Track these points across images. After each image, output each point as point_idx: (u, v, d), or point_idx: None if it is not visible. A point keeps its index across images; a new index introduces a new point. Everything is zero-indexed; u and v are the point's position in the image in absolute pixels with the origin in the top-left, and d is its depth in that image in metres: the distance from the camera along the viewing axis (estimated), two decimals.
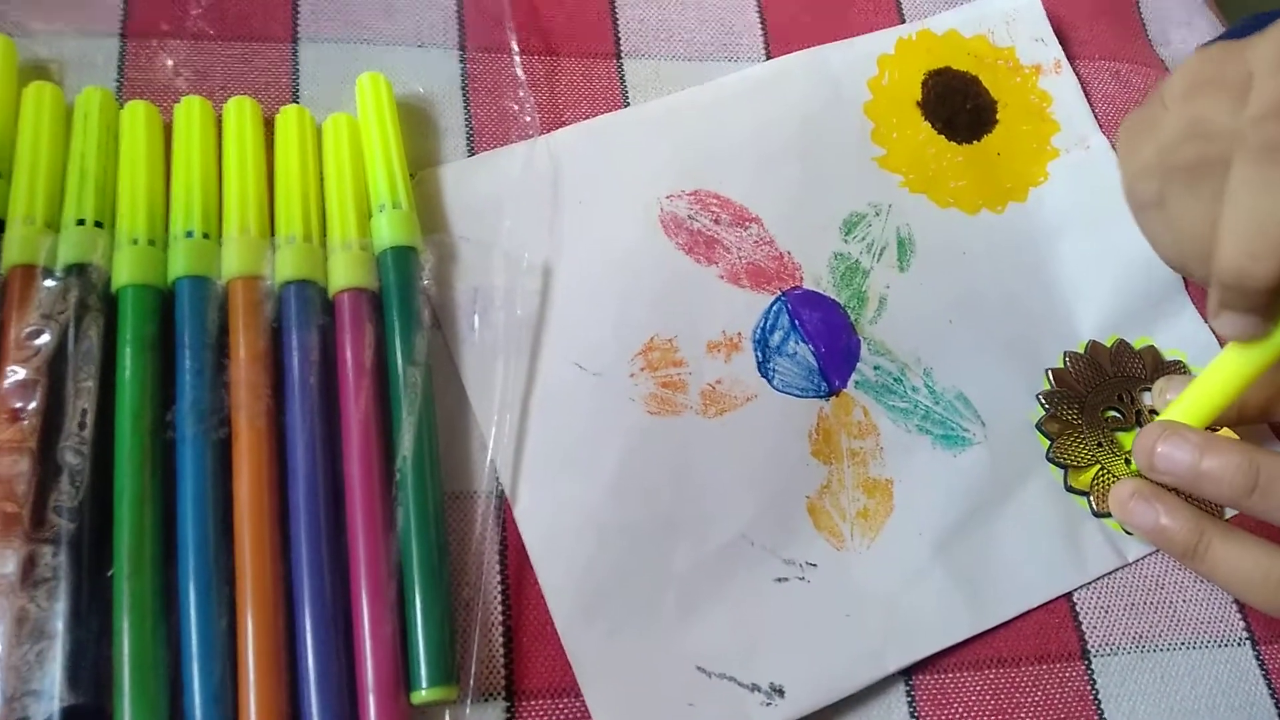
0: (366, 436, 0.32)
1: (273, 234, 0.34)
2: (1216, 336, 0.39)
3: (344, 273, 0.34)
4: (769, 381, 0.36)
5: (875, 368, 0.37)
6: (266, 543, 0.30)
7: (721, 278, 0.38)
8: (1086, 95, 0.44)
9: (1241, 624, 0.36)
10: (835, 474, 0.36)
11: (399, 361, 0.33)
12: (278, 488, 0.31)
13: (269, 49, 0.39)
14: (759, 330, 0.37)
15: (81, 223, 0.32)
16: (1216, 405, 0.33)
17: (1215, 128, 0.29)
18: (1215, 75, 0.31)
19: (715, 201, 0.39)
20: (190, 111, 0.35)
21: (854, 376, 0.37)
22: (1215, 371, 0.33)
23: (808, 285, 0.38)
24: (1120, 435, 0.37)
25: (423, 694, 0.30)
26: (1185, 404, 0.34)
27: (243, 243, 0.33)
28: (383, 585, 0.30)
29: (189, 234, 0.33)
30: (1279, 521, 0.31)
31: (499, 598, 0.32)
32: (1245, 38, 0.31)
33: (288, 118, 0.36)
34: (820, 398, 0.36)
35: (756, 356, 0.37)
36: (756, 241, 0.39)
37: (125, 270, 0.32)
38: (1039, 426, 0.37)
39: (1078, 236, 0.41)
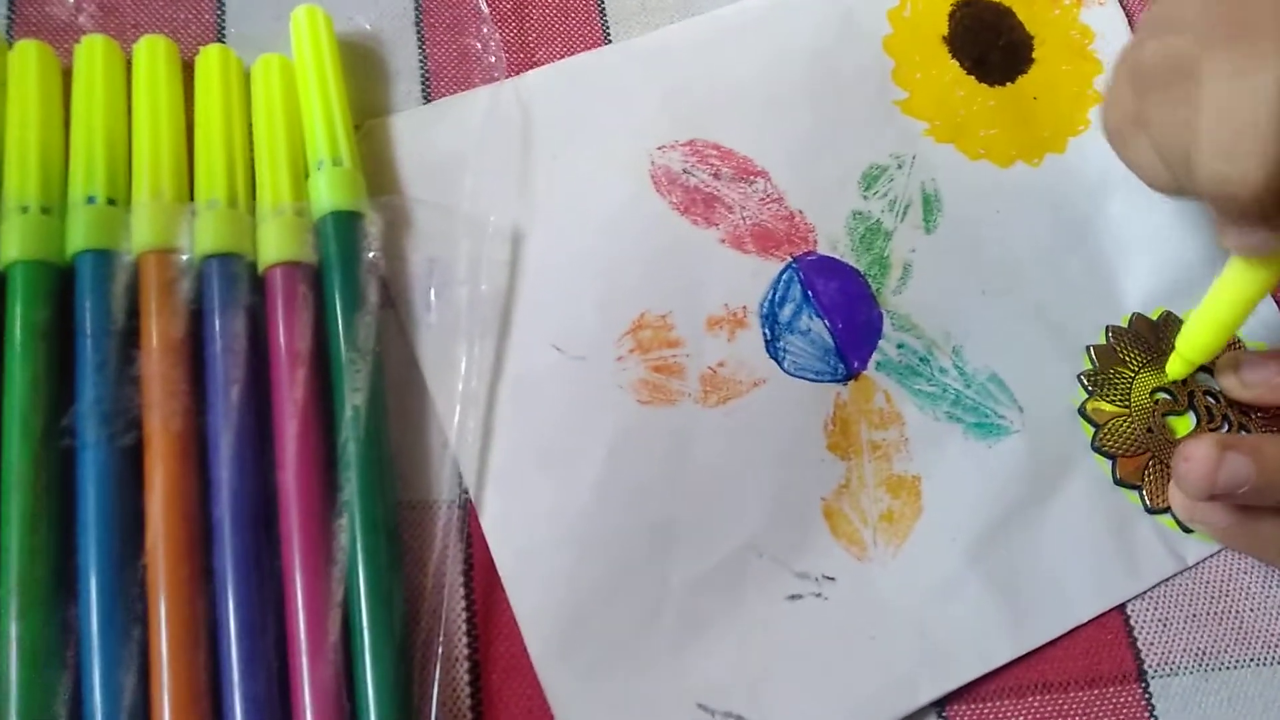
0: (303, 439, 0.28)
1: (191, 198, 0.31)
2: None
3: (276, 243, 0.30)
4: (779, 363, 0.33)
5: (899, 345, 0.33)
6: (185, 570, 0.27)
7: (723, 242, 0.34)
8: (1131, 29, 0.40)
9: None
10: (854, 471, 0.32)
11: (342, 348, 0.30)
12: (198, 503, 0.28)
13: None
14: (767, 303, 0.33)
15: None
16: (1232, 323, 0.31)
17: (1182, 21, 0.26)
18: None
19: (715, 153, 0.35)
20: (93, 53, 0.32)
21: (875, 356, 0.33)
22: (1226, 287, 0.30)
23: (822, 250, 0.35)
24: (1172, 420, 0.34)
25: None
26: (1197, 325, 0.32)
27: (155, 209, 0.30)
28: (323, 618, 0.27)
29: (91, 199, 0.30)
30: None
31: (463, 628, 0.29)
32: None
33: (209, 60, 0.33)
34: (837, 381, 0.33)
35: (764, 334, 0.33)
36: (763, 199, 0.35)
37: (14, 243, 0.29)
38: (1081, 411, 0.34)
39: (1121, 193, 0.37)
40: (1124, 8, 0.40)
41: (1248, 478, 0.29)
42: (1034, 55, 0.39)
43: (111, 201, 0.30)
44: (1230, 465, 0.29)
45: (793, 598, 0.30)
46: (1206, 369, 0.35)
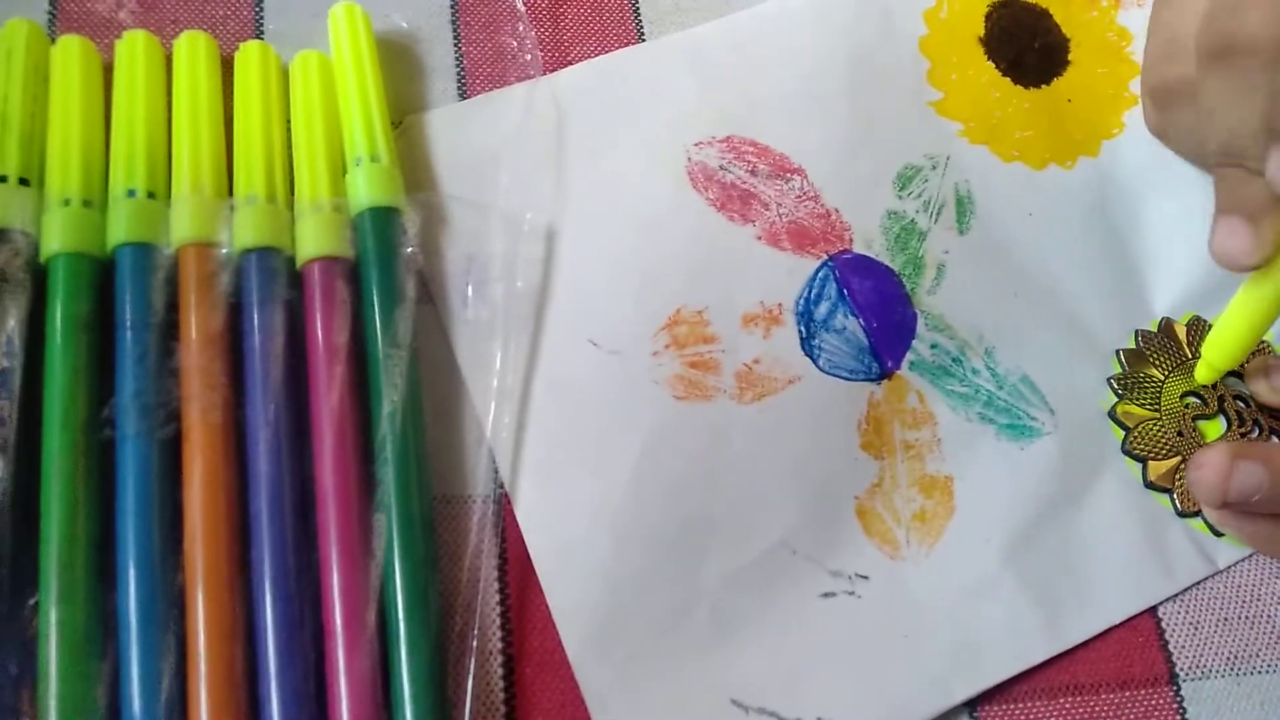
0: (341, 433, 0.28)
1: (230, 193, 0.31)
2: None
3: (314, 238, 0.30)
4: (814, 361, 0.32)
5: (933, 346, 0.33)
6: (223, 561, 0.27)
7: (759, 239, 0.34)
8: None
9: None
10: (887, 470, 0.32)
11: (379, 343, 0.29)
12: (236, 495, 0.28)
13: None
14: (802, 301, 0.33)
15: (3, 180, 0.29)
16: (1256, 331, 0.31)
17: (1185, 47, 0.28)
18: None
19: (751, 150, 0.35)
20: (134, 49, 0.32)
21: (908, 356, 0.33)
22: (1248, 296, 0.31)
23: (858, 248, 0.34)
24: (1202, 424, 0.34)
25: None
26: (1221, 333, 0.32)
27: (195, 203, 0.30)
28: (360, 611, 0.27)
29: (131, 193, 0.30)
30: None
31: (498, 621, 0.29)
32: None
33: (249, 56, 0.33)
34: (871, 381, 0.32)
35: (800, 332, 0.33)
36: (799, 196, 0.34)
37: (56, 236, 0.29)
38: (1112, 414, 0.34)
39: (1154, 198, 0.37)
40: None
41: (1259, 486, 0.29)
42: (1070, 57, 0.38)
43: (151, 195, 0.30)
44: (1242, 474, 0.29)
45: (826, 595, 0.30)
46: (1237, 373, 0.34)
